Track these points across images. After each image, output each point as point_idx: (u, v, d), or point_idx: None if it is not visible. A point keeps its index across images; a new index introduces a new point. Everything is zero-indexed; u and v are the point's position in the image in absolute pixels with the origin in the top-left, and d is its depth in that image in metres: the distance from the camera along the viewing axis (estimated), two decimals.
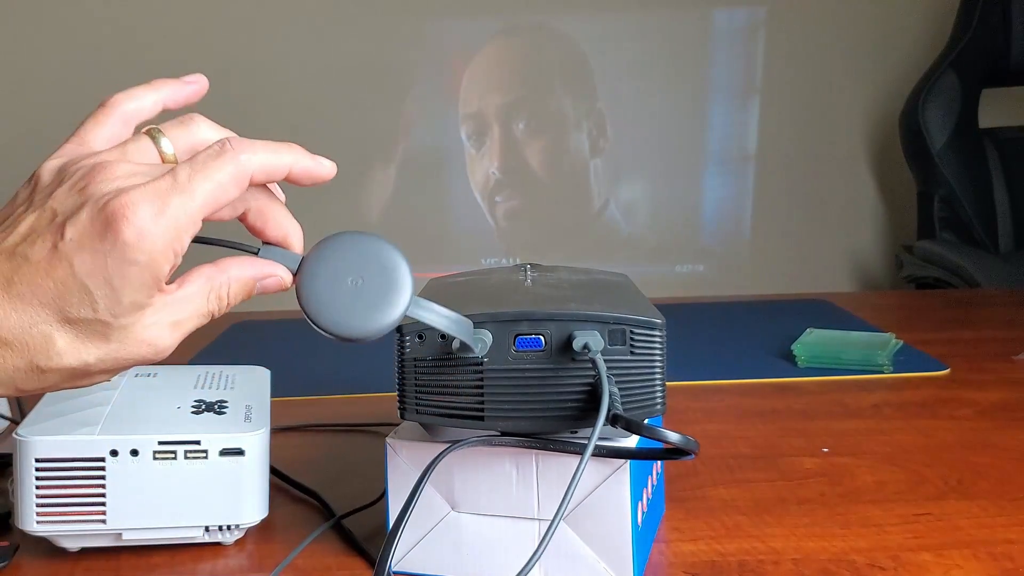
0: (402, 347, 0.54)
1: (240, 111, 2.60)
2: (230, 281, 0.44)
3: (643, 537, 0.57)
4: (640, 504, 0.56)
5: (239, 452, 0.60)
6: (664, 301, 1.39)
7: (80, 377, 0.41)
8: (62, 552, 0.61)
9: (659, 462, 0.64)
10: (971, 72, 2.43)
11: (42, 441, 0.58)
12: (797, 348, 1.03)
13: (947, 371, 0.99)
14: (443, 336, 0.53)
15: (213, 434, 0.60)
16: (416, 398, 0.55)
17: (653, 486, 0.61)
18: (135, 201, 0.39)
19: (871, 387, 0.94)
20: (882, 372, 0.98)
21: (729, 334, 1.18)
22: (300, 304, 0.44)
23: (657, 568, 0.58)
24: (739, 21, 2.65)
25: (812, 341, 1.04)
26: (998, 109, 2.53)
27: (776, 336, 1.12)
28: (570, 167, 2.71)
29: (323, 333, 0.44)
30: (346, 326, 0.43)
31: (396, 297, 0.44)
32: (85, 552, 0.61)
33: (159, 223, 0.39)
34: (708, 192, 2.72)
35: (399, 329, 0.54)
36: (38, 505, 0.58)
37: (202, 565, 0.60)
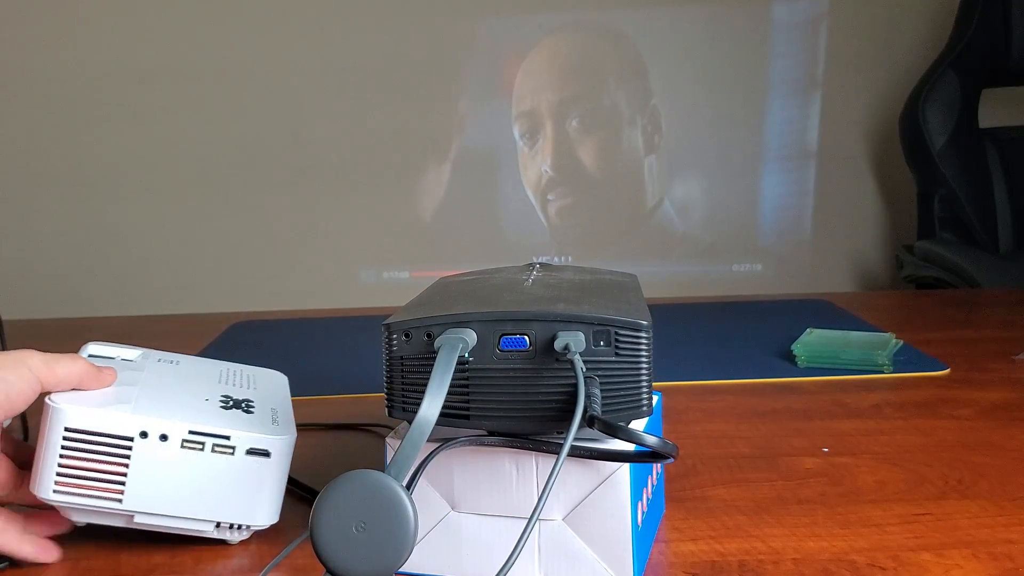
0: (390, 345, 0.54)
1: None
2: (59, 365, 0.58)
3: (643, 537, 0.57)
4: (640, 504, 0.56)
5: (265, 454, 0.60)
6: (665, 301, 1.39)
7: None
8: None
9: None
10: (971, 72, 2.43)
11: (74, 410, 0.56)
12: (797, 348, 1.03)
13: (947, 371, 0.99)
14: (429, 335, 0.53)
15: (243, 431, 0.59)
16: (403, 396, 0.54)
17: (653, 486, 0.61)
18: None
19: (871, 387, 0.94)
20: (882, 372, 0.98)
21: (729, 334, 1.18)
22: (315, 550, 0.45)
23: (657, 568, 0.58)
24: (799, 14, 2.61)
25: (812, 341, 1.04)
26: (998, 109, 2.53)
27: (776, 336, 1.13)
28: (624, 164, 2.68)
29: None
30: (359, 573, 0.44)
31: (400, 543, 0.44)
32: (84, 551, 0.61)
33: None
34: (766, 190, 2.68)
35: (387, 327, 0.54)
36: (58, 474, 0.57)
37: (202, 565, 0.60)
